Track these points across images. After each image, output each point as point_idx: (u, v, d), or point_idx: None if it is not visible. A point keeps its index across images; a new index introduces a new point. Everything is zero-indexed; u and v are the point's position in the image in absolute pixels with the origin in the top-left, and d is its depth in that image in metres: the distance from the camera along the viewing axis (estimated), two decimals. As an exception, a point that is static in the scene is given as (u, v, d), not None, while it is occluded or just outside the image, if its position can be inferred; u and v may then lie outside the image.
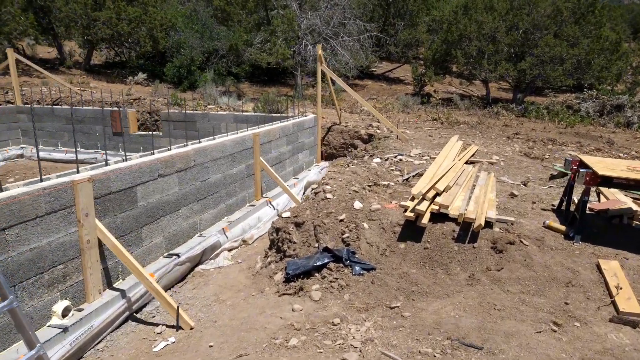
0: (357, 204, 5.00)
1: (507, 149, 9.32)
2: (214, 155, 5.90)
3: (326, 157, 11.29)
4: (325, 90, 15.23)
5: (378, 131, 10.62)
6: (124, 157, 4.67)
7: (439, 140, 9.72)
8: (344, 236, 4.68)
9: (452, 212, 4.55)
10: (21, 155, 12.29)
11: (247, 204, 7.00)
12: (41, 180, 3.74)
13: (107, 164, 4.40)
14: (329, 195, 5.15)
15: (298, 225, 4.95)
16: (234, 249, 6.03)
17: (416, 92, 22.23)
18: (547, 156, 8.66)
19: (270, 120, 9.29)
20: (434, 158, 7.69)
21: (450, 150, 7.42)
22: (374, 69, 28.63)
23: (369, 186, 5.76)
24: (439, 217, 4.64)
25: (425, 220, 4.42)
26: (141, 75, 18.10)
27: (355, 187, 5.44)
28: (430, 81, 21.11)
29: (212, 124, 10.28)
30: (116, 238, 4.29)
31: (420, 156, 7.89)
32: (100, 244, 4.02)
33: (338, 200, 5.09)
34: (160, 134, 11.45)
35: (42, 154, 11.96)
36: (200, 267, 5.43)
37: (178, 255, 5.01)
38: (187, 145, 5.65)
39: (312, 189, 5.59)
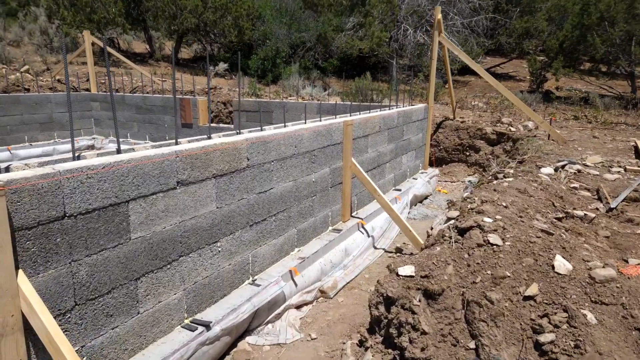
0: (561, 263, 2.39)
1: None
2: (282, 153, 3.64)
3: (434, 161, 8.62)
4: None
5: (512, 129, 7.69)
6: (117, 148, 2.59)
7: (614, 144, 6.56)
8: (541, 338, 2.11)
9: None
10: (92, 146, 11.37)
11: (330, 228, 4.66)
12: None
13: (78, 158, 2.34)
14: (493, 238, 2.59)
15: (431, 295, 2.47)
16: (306, 304, 3.72)
17: (533, 89, 18.41)
18: None
19: (365, 109, 6.89)
20: (631, 170, 4.73)
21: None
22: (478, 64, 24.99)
23: (558, 220, 3.08)
24: None
25: None
26: (222, 65, 16.88)
27: (542, 223, 2.81)
28: (557, 74, 17.14)
29: (291, 114, 8.18)
30: (82, 303, 2.20)
31: (605, 167, 4.95)
32: (28, 325, 1.95)
33: (516, 249, 2.51)
34: (231, 126, 9.70)
35: (111, 145, 10.98)
36: (249, 339, 3.20)
37: (207, 325, 2.82)
38: (239, 133, 3.48)
39: (453, 221, 3.05)
